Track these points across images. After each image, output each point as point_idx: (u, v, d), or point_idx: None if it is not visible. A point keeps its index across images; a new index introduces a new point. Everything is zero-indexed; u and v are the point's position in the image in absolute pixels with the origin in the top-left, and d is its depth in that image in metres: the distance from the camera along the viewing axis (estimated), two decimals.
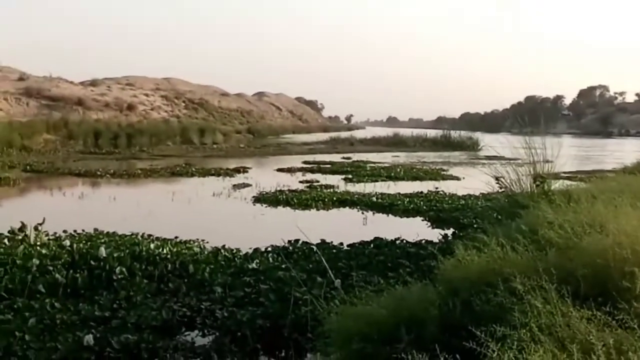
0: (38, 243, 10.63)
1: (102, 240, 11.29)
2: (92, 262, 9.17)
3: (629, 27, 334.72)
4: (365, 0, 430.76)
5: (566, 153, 12.72)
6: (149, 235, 12.11)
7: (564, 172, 12.55)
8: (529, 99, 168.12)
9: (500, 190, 12.39)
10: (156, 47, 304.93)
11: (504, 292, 4.21)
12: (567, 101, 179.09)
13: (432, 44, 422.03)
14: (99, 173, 27.00)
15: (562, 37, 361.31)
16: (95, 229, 12.53)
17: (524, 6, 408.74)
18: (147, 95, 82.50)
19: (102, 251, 9.49)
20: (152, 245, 10.63)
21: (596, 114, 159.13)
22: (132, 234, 12.13)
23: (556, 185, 11.06)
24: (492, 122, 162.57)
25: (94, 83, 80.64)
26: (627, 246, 4.31)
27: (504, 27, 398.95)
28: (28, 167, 29.34)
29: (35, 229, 11.40)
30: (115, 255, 9.54)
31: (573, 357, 3.32)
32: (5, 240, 10.76)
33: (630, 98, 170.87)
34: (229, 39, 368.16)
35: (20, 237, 10.86)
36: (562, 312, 3.73)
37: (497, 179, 12.31)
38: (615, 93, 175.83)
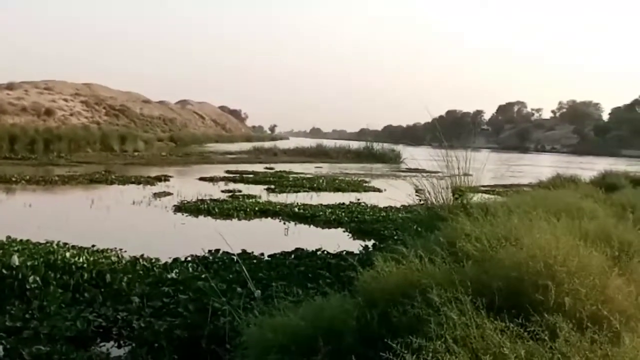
0: None
1: (15, 248, 10.90)
2: (4, 271, 8.87)
3: (547, 44, 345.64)
4: (288, 12, 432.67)
5: (484, 167, 12.98)
6: (65, 244, 11.78)
7: (482, 186, 12.82)
8: (450, 113, 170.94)
9: (420, 203, 12.55)
10: (77, 51, 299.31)
11: (421, 303, 4.25)
12: (487, 116, 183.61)
13: (355, 57, 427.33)
14: (14, 179, 26.24)
15: (483, 52, 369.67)
16: (8, 237, 12.12)
17: (444, 20, 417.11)
18: (66, 100, 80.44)
19: (15, 259, 9.20)
20: (67, 254, 10.36)
21: (514, 129, 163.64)
22: (47, 242, 11.77)
23: (474, 198, 11.28)
24: (414, 135, 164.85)
25: (10, 86, 78.13)
26: (541, 259, 4.42)
27: (426, 41, 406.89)
28: None
29: None
30: (28, 263, 9.26)
31: None
32: None
33: (547, 115, 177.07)
34: (152, 46, 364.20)
35: None
36: (477, 324, 3.79)
37: (417, 191, 12.48)
38: (533, 109, 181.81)
